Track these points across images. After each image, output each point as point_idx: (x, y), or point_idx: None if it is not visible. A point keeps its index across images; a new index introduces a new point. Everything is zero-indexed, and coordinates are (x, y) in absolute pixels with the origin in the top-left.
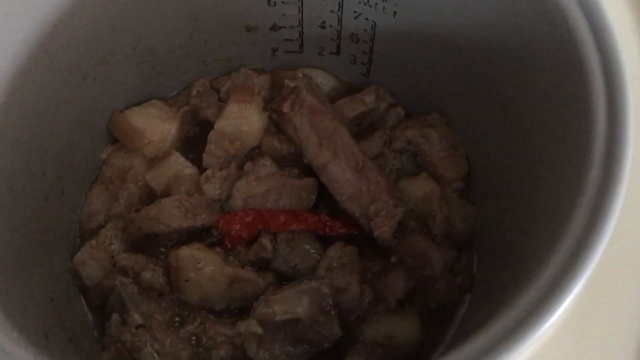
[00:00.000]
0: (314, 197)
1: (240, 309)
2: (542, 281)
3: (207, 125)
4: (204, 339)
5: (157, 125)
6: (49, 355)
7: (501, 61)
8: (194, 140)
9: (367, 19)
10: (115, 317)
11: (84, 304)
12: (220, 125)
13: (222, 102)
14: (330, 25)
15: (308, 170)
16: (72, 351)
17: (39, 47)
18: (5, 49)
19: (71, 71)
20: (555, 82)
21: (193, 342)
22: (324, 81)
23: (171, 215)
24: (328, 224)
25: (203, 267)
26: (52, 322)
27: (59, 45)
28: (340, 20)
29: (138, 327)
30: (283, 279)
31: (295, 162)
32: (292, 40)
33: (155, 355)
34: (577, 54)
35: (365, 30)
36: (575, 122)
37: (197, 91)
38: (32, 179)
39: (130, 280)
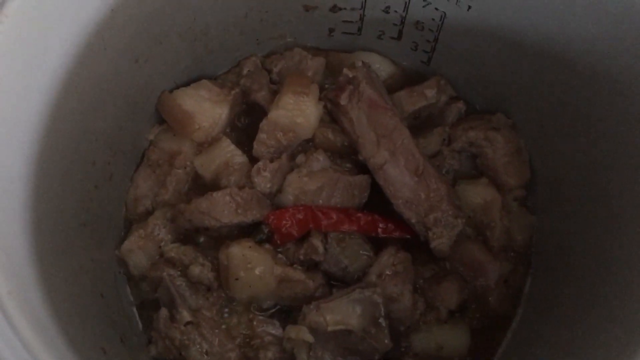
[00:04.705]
0: (366, 194)
1: (288, 308)
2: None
3: (256, 108)
4: (252, 337)
5: (207, 109)
6: None
7: (593, 77)
8: (242, 124)
9: (437, 8)
10: (163, 312)
11: (130, 294)
12: (274, 115)
13: (274, 83)
14: (395, 11)
15: (361, 165)
16: (126, 352)
17: (95, 34)
18: (65, 39)
19: (124, 55)
20: None
21: (240, 340)
22: (382, 67)
23: (222, 210)
24: (381, 225)
25: (253, 267)
26: (105, 325)
27: (115, 30)
28: (406, 7)
29: (187, 324)
30: (332, 279)
31: (349, 155)
32: (351, 22)
33: (204, 355)
34: None
35: (433, 19)
36: None
37: (248, 71)
38: (83, 168)
39: (179, 273)
